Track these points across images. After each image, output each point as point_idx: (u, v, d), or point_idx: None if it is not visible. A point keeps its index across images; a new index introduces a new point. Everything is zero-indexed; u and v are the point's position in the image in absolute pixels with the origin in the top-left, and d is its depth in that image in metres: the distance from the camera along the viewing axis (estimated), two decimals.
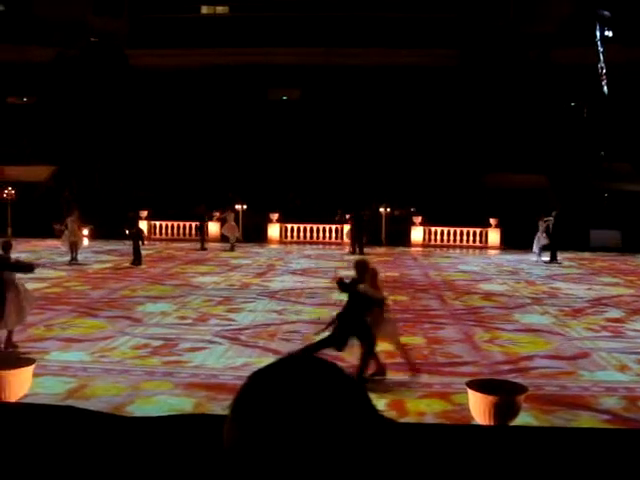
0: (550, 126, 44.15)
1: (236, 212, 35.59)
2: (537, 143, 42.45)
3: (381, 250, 33.60)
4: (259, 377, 1.23)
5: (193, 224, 35.89)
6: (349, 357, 10.97)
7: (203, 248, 32.65)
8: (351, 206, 35.12)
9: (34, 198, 41.21)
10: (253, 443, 1.14)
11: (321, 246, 35.51)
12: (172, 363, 11.97)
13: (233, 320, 15.79)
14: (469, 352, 13.04)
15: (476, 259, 31.12)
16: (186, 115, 47.12)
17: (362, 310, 11.11)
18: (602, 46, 48.03)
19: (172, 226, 38.81)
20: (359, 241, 32.21)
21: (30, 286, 19.21)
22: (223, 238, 34.68)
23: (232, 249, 32.43)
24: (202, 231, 33.72)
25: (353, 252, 31.06)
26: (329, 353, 10.40)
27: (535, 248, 29.05)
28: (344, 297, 18.51)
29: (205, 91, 49.86)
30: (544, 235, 28.65)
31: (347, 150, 43.35)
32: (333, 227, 37.74)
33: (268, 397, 1.17)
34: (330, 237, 37.76)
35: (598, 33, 48.48)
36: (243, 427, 1.17)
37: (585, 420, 9.43)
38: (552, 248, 28.76)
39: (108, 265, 25.51)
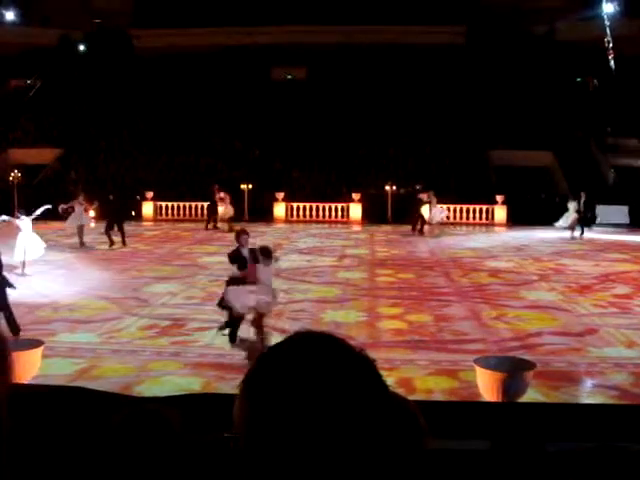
0: (556, 102, 43.92)
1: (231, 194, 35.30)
2: (543, 119, 42.24)
3: (387, 228, 33.54)
4: (271, 355, 1.22)
5: (199, 204, 35.81)
6: (359, 336, 11.01)
7: (215, 227, 32.69)
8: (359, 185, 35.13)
9: (40, 181, 41.23)
10: (265, 421, 1.14)
11: (327, 225, 35.45)
12: (180, 343, 12.01)
13: None
14: (476, 329, 13.05)
15: (482, 236, 31.07)
16: (190, 95, 46.97)
17: None
18: (608, 20, 47.67)
19: (178, 207, 38.78)
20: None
21: (37, 269, 19.28)
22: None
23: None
24: (211, 211, 33.71)
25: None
26: (339, 332, 10.39)
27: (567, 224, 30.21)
28: (349, 275, 18.59)
29: (208, 71, 49.72)
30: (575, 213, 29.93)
31: (354, 129, 43.18)
32: (339, 206, 37.66)
33: (280, 375, 1.16)
34: (336, 216, 37.68)
35: (604, 6, 48.11)
36: (255, 405, 1.16)
37: (593, 396, 9.44)
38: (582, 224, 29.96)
39: (115, 246, 25.47)
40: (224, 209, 33.60)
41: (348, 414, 1.13)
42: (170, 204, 38.81)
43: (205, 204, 35.27)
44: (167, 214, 38.72)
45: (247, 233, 12.00)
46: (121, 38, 53.24)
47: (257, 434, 1.15)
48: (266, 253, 11.61)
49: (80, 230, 25.52)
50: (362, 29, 49.70)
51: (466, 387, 9.44)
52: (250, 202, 36.52)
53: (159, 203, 38.79)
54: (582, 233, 29.50)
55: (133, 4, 54.21)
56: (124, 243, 25.76)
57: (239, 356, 10.95)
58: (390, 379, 9.44)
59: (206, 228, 32.70)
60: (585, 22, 47.09)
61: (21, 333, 12.15)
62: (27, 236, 19.46)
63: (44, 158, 43.00)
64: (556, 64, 46.94)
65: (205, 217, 34.26)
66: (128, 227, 27.48)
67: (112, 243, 25.52)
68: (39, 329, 12.56)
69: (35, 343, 9.45)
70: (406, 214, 34.27)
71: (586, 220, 30.31)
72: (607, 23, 47.37)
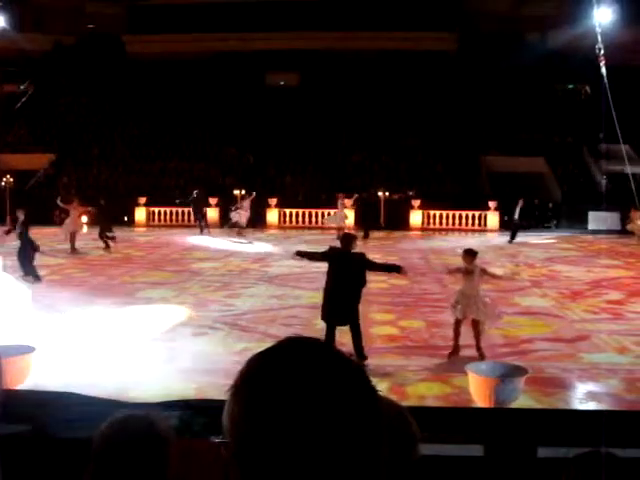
0: (549, 109, 44.02)
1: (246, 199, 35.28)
2: (536, 126, 42.33)
3: (380, 234, 33.53)
4: (261, 360, 1.22)
5: (191, 210, 35.66)
6: (351, 342, 11.01)
7: (202, 233, 32.57)
8: (352, 190, 35.29)
9: (32, 186, 41.17)
10: (256, 425, 1.14)
11: (320, 231, 35.42)
12: (174, 348, 11.99)
13: (233, 305, 15.80)
14: (469, 335, 13.04)
15: (475, 242, 31.09)
16: (183, 101, 46.97)
17: None
18: (600, 27, 47.77)
19: (171, 212, 38.74)
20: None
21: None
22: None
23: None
24: (201, 216, 33.62)
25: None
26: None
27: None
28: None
29: (202, 77, 49.74)
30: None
31: (346, 134, 43.25)
32: (332, 212, 37.67)
33: (271, 380, 1.16)
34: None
35: (596, 14, 48.18)
36: (246, 410, 1.16)
37: (585, 402, 9.45)
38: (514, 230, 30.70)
39: (111, 249, 25.49)
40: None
41: (338, 419, 1.13)
42: (163, 210, 38.78)
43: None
44: (160, 220, 38.67)
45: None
46: (114, 44, 53.23)
47: (248, 439, 1.14)
48: (472, 253, 11.90)
49: (72, 236, 25.44)
50: (355, 35, 49.73)
51: (458, 393, 9.44)
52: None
53: (152, 209, 38.75)
54: (512, 239, 30.14)
55: (126, 10, 54.22)
56: (107, 248, 25.68)
57: (231, 362, 10.93)
58: (383, 385, 9.46)
59: (201, 233, 32.57)
60: (578, 30, 47.15)
61: (15, 339, 12.11)
62: None
63: (37, 163, 42.98)
64: (549, 71, 47.05)
65: (201, 223, 34.00)
66: (121, 233, 27.45)
67: (108, 247, 25.55)
68: (32, 334, 12.51)
69: (26, 349, 9.42)
70: (399, 220, 34.36)
71: (517, 227, 30.63)
72: (599, 31, 47.46)
